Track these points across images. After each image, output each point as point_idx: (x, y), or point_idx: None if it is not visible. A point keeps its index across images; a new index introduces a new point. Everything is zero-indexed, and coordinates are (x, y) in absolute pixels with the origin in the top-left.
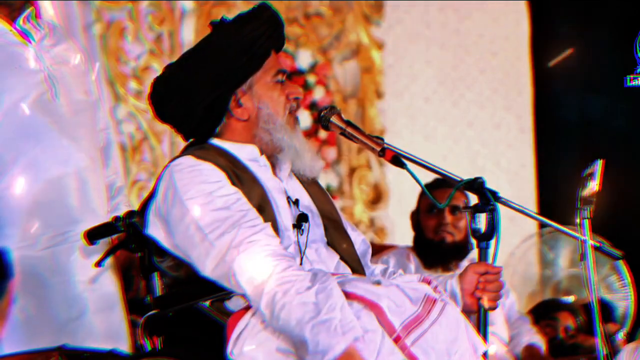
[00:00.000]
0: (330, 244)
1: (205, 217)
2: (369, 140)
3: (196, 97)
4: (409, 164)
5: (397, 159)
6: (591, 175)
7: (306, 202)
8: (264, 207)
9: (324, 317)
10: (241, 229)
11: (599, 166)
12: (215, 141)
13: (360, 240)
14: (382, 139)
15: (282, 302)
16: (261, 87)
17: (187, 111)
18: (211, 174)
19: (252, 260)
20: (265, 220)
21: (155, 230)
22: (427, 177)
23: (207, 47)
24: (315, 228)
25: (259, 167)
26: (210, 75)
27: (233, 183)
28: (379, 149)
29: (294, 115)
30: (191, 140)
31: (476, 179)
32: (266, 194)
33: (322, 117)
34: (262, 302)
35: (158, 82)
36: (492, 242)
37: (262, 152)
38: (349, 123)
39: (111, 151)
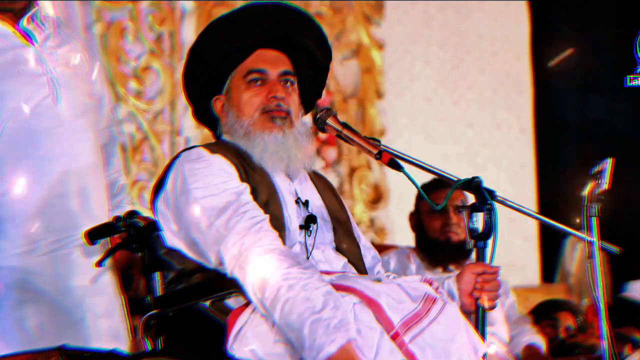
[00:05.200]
0: (338, 248)
1: (210, 204)
2: (366, 142)
3: (194, 98)
4: (407, 166)
5: (394, 162)
6: (600, 173)
7: (317, 204)
8: (271, 206)
9: (325, 315)
10: (245, 216)
11: (608, 164)
12: (226, 137)
13: (370, 255)
14: (379, 141)
15: (287, 296)
16: (235, 90)
17: (195, 110)
18: (221, 166)
19: (258, 251)
20: (272, 219)
21: (163, 219)
22: (427, 178)
23: (191, 52)
24: (326, 232)
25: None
26: (193, 81)
27: (242, 179)
28: (375, 151)
29: (270, 115)
30: None
31: (473, 178)
32: (276, 192)
33: (318, 118)
34: (266, 293)
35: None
36: (490, 241)
37: None
38: (345, 125)
39: (114, 149)
